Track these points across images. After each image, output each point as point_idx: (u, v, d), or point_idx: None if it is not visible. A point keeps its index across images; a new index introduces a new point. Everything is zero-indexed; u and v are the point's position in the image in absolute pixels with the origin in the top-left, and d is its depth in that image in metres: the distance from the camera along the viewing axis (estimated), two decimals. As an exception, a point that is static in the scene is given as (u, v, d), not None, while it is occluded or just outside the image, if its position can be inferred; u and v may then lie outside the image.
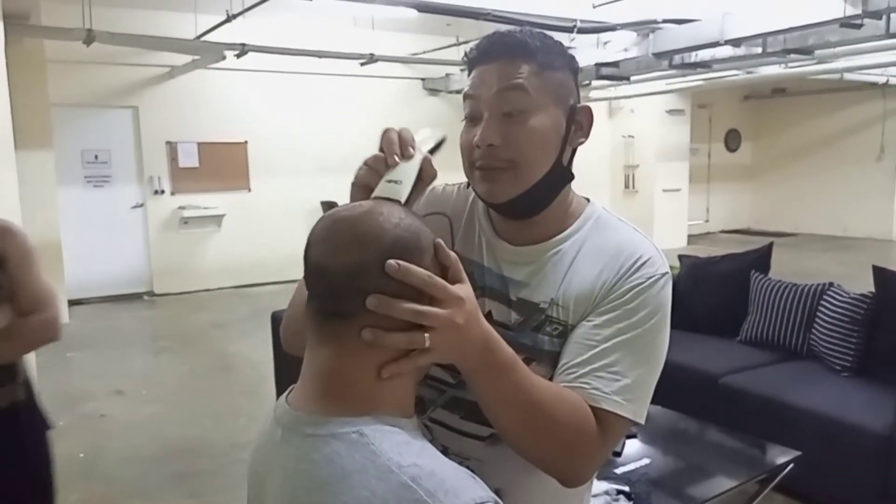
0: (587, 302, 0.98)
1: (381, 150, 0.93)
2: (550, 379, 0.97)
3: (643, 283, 0.96)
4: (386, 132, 0.94)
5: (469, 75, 1.02)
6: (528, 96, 0.95)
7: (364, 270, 0.77)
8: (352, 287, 0.78)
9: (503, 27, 1.16)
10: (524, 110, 0.96)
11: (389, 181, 0.90)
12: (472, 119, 1.00)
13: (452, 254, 0.84)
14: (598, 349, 0.94)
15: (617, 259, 0.98)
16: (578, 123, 1.01)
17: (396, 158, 0.91)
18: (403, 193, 0.89)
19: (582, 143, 1.03)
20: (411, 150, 0.93)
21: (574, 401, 0.91)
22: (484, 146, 0.97)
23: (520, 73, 0.96)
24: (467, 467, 1.02)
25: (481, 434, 1.03)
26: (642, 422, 0.95)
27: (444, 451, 1.05)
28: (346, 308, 0.79)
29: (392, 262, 0.77)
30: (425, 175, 0.94)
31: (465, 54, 1.03)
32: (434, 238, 0.84)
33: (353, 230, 0.80)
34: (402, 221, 0.81)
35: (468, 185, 1.09)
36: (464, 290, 0.82)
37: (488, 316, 1.00)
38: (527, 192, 0.98)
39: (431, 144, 0.99)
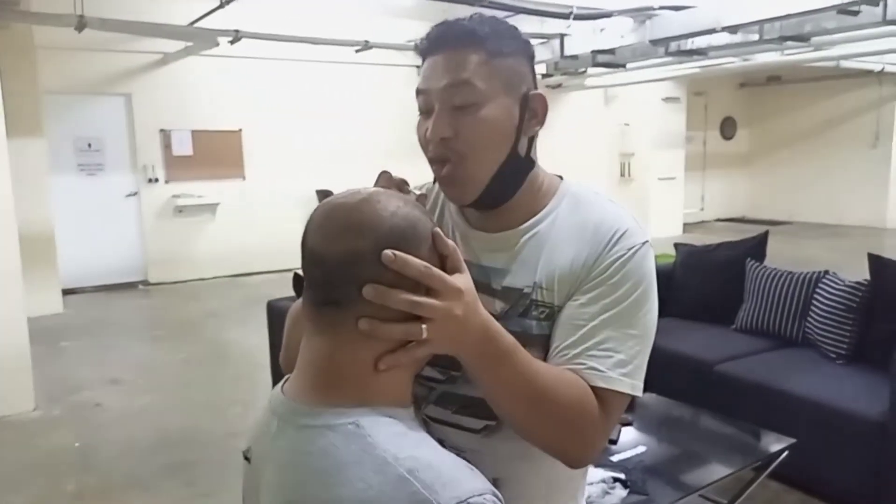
0: (570, 281, 0.97)
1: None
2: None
3: (624, 255, 0.96)
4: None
5: (421, 66, 1.00)
6: (476, 90, 0.94)
7: (359, 258, 0.76)
8: (347, 275, 0.77)
9: (499, 14, 1.15)
10: (474, 103, 0.95)
11: None
12: (425, 112, 1.00)
13: (451, 243, 0.83)
14: (587, 328, 0.94)
15: (596, 235, 0.98)
16: (532, 111, 0.99)
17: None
18: None
19: (537, 131, 1.01)
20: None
21: (574, 382, 0.91)
22: (436, 140, 0.96)
23: (467, 65, 0.94)
24: (464, 458, 1.03)
25: (475, 427, 1.02)
26: (640, 394, 0.95)
27: (441, 444, 1.05)
28: (342, 296, 0.78)
29: (388, 252, 0.75)
30: None
31: (416, 45, 1.02)
32: (433, 227, 0.83)
33: (349, 217, 0.79)
34: (400, 210, 0.80)
35: (434, 181, 1.08)
36: (462, 280, 0.82)
37: None
38: (488, 187, 0.98)
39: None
